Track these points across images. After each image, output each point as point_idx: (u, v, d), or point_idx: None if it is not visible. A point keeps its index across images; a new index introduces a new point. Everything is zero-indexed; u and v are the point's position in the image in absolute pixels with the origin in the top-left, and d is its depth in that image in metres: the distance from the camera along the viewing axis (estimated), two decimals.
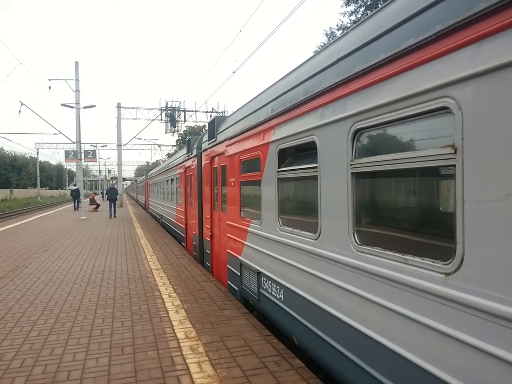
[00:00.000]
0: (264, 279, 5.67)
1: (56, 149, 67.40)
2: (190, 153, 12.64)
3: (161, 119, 42.43)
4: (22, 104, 32.46)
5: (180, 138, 70.29)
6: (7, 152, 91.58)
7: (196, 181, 11.25)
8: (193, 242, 12.26)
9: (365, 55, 3.26)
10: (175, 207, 16.74)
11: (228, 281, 7.75)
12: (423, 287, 2.62)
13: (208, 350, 4.88)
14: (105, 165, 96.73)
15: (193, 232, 12.13)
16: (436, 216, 3.25)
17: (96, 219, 26.27)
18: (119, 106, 42.37)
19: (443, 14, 2.46)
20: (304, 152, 4.63)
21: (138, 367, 4.47)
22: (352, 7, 37.02)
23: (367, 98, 3.22)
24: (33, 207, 54.69)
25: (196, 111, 42.86)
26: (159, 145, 58.76)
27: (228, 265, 7.70)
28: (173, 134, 44.98)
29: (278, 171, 5.10)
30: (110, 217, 27.31)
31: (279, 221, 5.12)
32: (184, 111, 42.39)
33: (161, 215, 22.67)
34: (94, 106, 29.82)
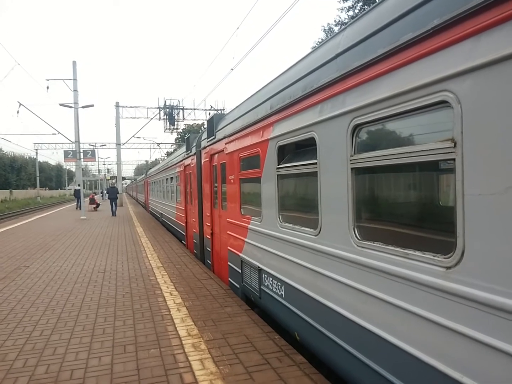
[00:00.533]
0: (265, 275, 5.67)
1: (55, 149, 67.34)
2: (189, 151, 12.64)
3: (160, 118, 42.36)
4: (20, 104, 32.40)
5: (179, 136, 70.23)
6: (6, 153, 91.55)
7: (195, 179, 11.25)
8: (194, 240, 12.27)
9: (364, 50, 3.25)
10: (175, 206, 16.74)
11: (229, 279, 7.76)
12: (424, 281, 2.62)
13: (210, 347, 4.89)
14: (104, 164, 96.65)
15: (194, 230, 12.14)
16: (437, 210, 3.25)
17: (96, 218, 26.27)
18: (117, 105, 42.29)
19: (440, 8, 2.46)
20: (303, 148, 4.63)
21: (141, 365, 4.48)
22: (349, 3, 36.99)
23: (366, 93, 3.21)
24: (33, 207, 54.69)
25: (194, 109, 42.79)
26: (158, 144, 58.71)
27: (229, 263, 7.71)
28: (172, 132, 44.91)
29: (277, 168, 5.10)
30: (112, 216, 28.02)
31: (279, 217, 5.12)
32: (183, 109, 42.32)
33: (161, 213, 22.69)
34: (92, 105, 29.79)
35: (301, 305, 4.53)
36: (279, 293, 5.16)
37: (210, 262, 9.88)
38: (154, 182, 27.63)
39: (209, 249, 9.88)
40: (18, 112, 32.51)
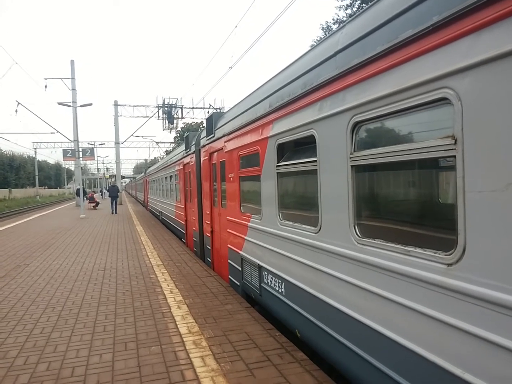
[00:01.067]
0: (266, 273, 5.69)
1: (54, 148, 67.12)
2: (188, 150, 12.64)
3: (159, 116, 42.34)
4: (18, 103, 32.36)
5: (178, 135, 70.13)
6: (5, 152, 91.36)
7: (195, 178, 11.26)
8: (194, 238, 12.28)
9: (363, 48, 3.26)
10: (174, 204, 16.75)
11: (230, 276, 7.78)
12: (425, 278, 2.64)
13: (211, 344, 4.91)
14: (103, 163, 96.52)
15: (193, 228, 12.15)
16: (437, 207, 3.27)
17: (96, 217, 26.26)
18: (116, 104, 42.24)
19: (440, 5, 2.46)
20: (303, 146, 4.64)
21: (142, 362, 4.49)
22: (347, 1, 36.96)
23: (366, 90, 3.22)
24: (32, 206, 54.64)
25: (193, 107, 42.76)
26: (157, 142, 58.75)
27: (229, 260, 7.72)
28: (170, 131, 44.88)
29: (277, 166, 5.11)
30: (112, 213, 28.55)
31: (279, 215, 5.13)
32: (182, 107, 42.28)
33: (161, 212, 22.69)
34: (91, 104, 29.77)
35: (302, 302, 4.54)
36: (280, 291, 5.18)
37: (210, 260, 9.89)
38: (154, 180, 27.63)
39: (209, 247, 9.89)
40: (16, 111, 32.52)
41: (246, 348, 4.76)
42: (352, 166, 3.46)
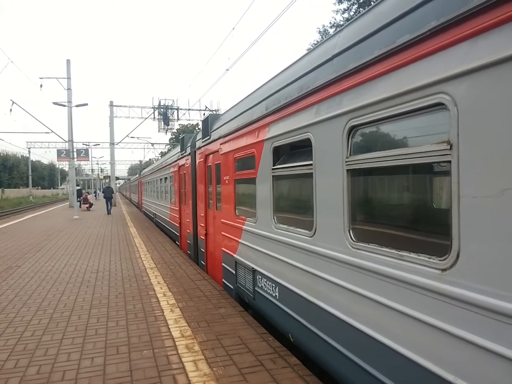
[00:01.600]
0: (260, 277, 5.66)
1: (48, 148, 66.73)
2: (184, 152, 12.60)
3: (154, 118, 42.26)
4: (13, 102, 32.18)
5: (174, 136, 70.08)
6: None
7: (190, 180, 11.22)
8: (188, 241, 12.23)
9: (360, 52, 3.26)
10: (169, 206, 16.68)
11: (223, 280, 7.74)
12: (419, 283, 2.62)
13: (204, 349, 4.86)
14: (97, 164, 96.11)
15: (188, 230, 12.10)
16: (432, 212, 3.26)
17: (89, 218, 26.11)
18: (111, 105, 42.13)
19: (437, 11, 2.46)
20: (299, 149, 4.63)
21: (134, 366, 4.44)
22: (345, 5, 37.20)
23: (362, 94, 3.21)
24: (25, 206, 54.26)
25: (189, 109, 42.74)
26: (152, 144, 58.53)
27: (223, 264, 7.68)
28: (166, 132, 44.83)
29: (273, 169, 5.09)
30: (107, 214, 28.99)
31: (274, 218, 5.11)
32: (177, 109, 42.25)
33: (155, 213, 22.60)
34: (86, 104, 29.64)
35: (295, 307, 4.52)
36: (273, 295, 5.15)
37: (204, 263, 9.85)
38: (148, 182, 27.54)
39: (203, 250, 9.85)
40: (11, 110, 32.34)
41: (239, 353, 4.73)
42: (347, 170, 3.45)
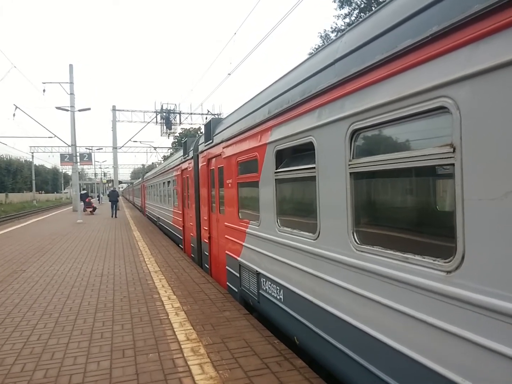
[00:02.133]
0: (264, 280, 5.68)
1: (51, 152, 66.94)
2: (186, 155, 12.64)
3: (157, 122, 42.40)
4: (16, 107, 32.34)
5: (176, 140, 70.16)
6: (2, 156, 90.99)
7: (193, 183, 11.25)
8: (191, 244, 12.25)
9: (362, 56, 3.28)
10: (172, 209, 16.72)
11: (228, 283, 7.76)
12: (424, 285, 2.64)
13: (209, 352, 4.88)
14: (100, 168, 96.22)
15: (191, 234, 12.13)
16: (436, 215, 3.28)
17: (93, 222, 26.17)
18: (114, 109, 42.32)
19: (439, 15, 2.49)
20: (301, 153, 4.65)
21: (140, 369, 4.47)
22: (346, 10, 37.24)
23: (364, 98, 3.24)
24: (28, 211, 54.42)
25: (191, 113, 42.86)
26: (155, 148, 58.76)
27: (227, 267, 7.71)
28: (168, 136, 44.93)
29: (275, 172, 5.12)
30: (112, 217, 29.45)
31: (277, 222, 5.14)
32: (180, 113, 42.39)
33: (158, 217, 22.64)
34: (89, 109, 29.79)
35: (300, 309, 4.54)
36: (278, 297, 5.17)
37: (208, 266, 9.87)
38: (151, 186, 27.60)
39: (207, 253, 9.87)
40: (14, 115, 32.49)
41: (245, 356, 4.74)
42: (350, 173, 3.47)
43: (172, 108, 42.02)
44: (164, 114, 41.68)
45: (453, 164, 2.42)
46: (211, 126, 8.94)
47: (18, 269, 10.67)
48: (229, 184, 7.28)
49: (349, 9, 36.95)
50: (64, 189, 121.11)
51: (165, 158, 54.28)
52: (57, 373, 4.47)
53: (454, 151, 2.40)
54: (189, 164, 12.09)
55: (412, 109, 2.73)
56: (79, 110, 29.46)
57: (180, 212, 14.23)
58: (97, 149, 56.27)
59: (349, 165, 3.48)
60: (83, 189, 30.82)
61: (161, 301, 7.22)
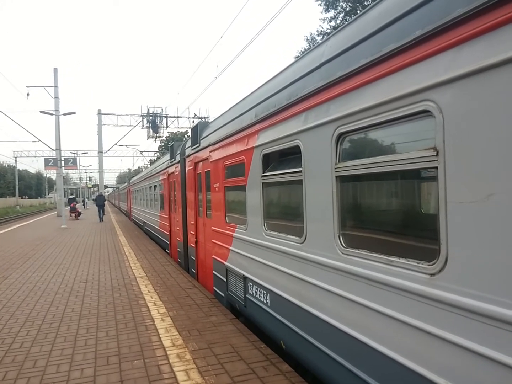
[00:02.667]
0: (251, 284, 5.65)
1: (35, 157, 66.10)
2: (173, 159, 12.57)
3: (143, 126, 42.15)
4: None
5: (163, 144, 69.82)
6: None
7: (180, 187, 11.19)
8: (178, 249, 12.16)
9: (347, 60, 3.31)
10: (158, 214, 16.59)
11: (214, 287, 7.71)
12: (408, 288, 2.65)
13: (195, 358, 4.83)
14: (85, 172, 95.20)
15: (178, 238, 12.04)
16: (420, 218, 3.31)
17: (78, 227, 25.82)
18: (99, 113, 41.99)
19: (422, 20, 2.52)
20: (288, 156, 4.66)
21: (124, 377, 4.39)
22: (331, 13, 37.57)
23: (350, 102, 3.26)
24: (11, 216, 53.34)
25: (178, 117, 42.75)
26: (141, 152, 58.24)
27: (213, 271, 7.66)
28: (155, 140, 44.68)
29: (262, 176, 5.11)
30: (100, 221, 29.91)
31: (264, 225, 5.12)
32: (166, 117, 42.22)
33: (145, 222, 22.43)
34: (74, 113, 29.42)
35: (287, 313, 4.52)
36: (265, 302, 5.15)
37: (194, 271, 9.80)
38: (137, 190, 27.37)
39: (194, 258, 9.80)
40: None
41: (231, 361, 4.71)
42: (336, 176, 3.49)
43: (158, 112, 41.85)
44: (151, 117, 41.47)
45: (436, 167, 2.44)
46: (198, 130, 8.90)
47: (0, 275, 10.44)
48: (216, 188, 7.25)
49: (334, 12, 37.32)
50: (48, 194, 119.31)
51: (152, 162, 53.91)
52: (40, 381, 4.38)
53: (437, 154, 2.42)
54: (175, 168, 12.02)
55: (396, 113, 2.75)
56: (64, 114, 29.06)
57: (167, 216, 14.13)
58: (82, 153, 55.62)
59: (335, 168, 3.49)
60: (71, 194, 31.05)
61: (146, 307, 7.14)
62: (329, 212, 3.58)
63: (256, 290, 5.44)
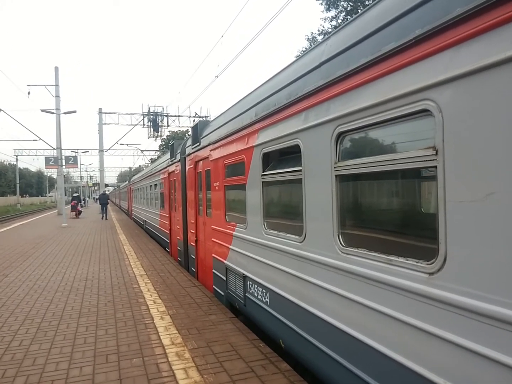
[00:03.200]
0: (250, 283, 5.66)
1: (36, 155, 66.14)
2: (173, 158, 12.57)
3: (144, 124, 42.10)
4: (0, 110, 31.83)
5: (163, 143, 69.83)
6: None
7: (180, 186, 11.19)
8: (178, 248, 12.17)
9: (347, 59, 3.30)
10: (159, 213, 16.59)
11: (214, 286, 7.71)
12: (407, 287, 2.65)
13: (194, 356, 4.84)
14: (86, 171, 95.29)
15: (178, 237, 12.04)
16: (419, 217, 3.30)
17: (78, 226, 25.84)
18: (100, 112, 41.97)
19: (422, 19, 2.52)
20: (288, 155, 4.66)
21: (123, 375, 4.40)
22: (332, 13, 37.53)
23: (350, 101, 3.26)
24: (12, 214, 53.41)
25: (179, 116, 42.72)
26: (142, 151, 58.29)
27: (213, 270, 7.66)
28: (156, 139, 44.64)
29: (262, 175, 5.11)
30: (102, 219, 30.76)
31: (264, 224, 5.13)
32: (167, 116, 42.17)
33: (145, 220, 22.45)
34: (75, 111, 29.45)
35: (286, 312, 4.52)
36: (264, 300, 5.15)
37: (194, 270, 9.80)
38: (138, 189, 27.37)
39: (194, 257, 9.80)
40: None
41: (230, 359, 4.71)
42: (336, 175, 3.48)
43: (159, 111, 41.79)
44: (152, 116, 41.42)
45: (435, 167, 2.44)
46: (198, 129, 8.90)
47: (0, 273, 10.46)
48: (216, 187, 7.26)
49: (335, 11, 37.28)
50: (49, 193, 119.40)
51: (152, 161, 53.95)
52: (39, 379, 4.38)
53: (436, 153, 2.42)
54: (176, 167, 12.02)
55: (396, 112, 2.75)
56: (65, 113, 29.06)
57: (167, 215, 14.13)
58: (83, 152, 55.66)
59: (334, 167, 3.48)
60: (75, 192, 31.60)
61: (146, 305, 7.15)
62: (329, 211, 3.58)
63: (256, 289, 5.44)
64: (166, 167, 14.25)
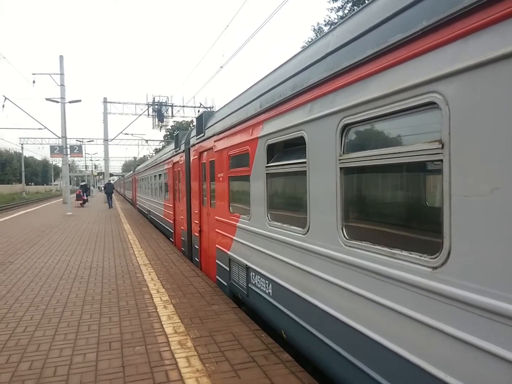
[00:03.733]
0: (253, 274, 5.68)
1: (41, 144, 66.34)
2: (178, 148, 12.57)
3: (148, 114, 42.03)
4: (6, 98, 31.94)
5: (168, 133, 69.81)
6: None
7: (184, 176, 11.21)
8: (182, 238, 12.22)
9: (353, 50, 3.27)
10: (163, 203, 16.65)
11: (217, 276, 7.75)
12: (410, 281, 2.65)
13: (196, 345, 4.88)
14: (91, 160, 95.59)
15: (182, 227, 12.09)
16: (424, 211, 3.29)
17: (83, 214, 25.98)
18: (105, 101, 41.92)
19: (429, 10, 2.48)
20: (292, 147, 4.64)
21: (126, 362, 4.45)
22: (339, 3, 37.20)
23: (355, 93, 3.23)
24: (18, 202, 53.77)
25: (183, 106, 42.58)
26: (147, 140, 58.26)
27: (216, 260, 7.70)
28: (160, 129, 44.61)
29: (266, 166, 5.10)
30: (109, 208, 31.62)
31: (268, 216, 5.13)
32: (172, 106, 42.05)
33: (149, 210, 22.54)
34: (80, 100, 29.39)
35: (289, 304, 4.54)
36: (267, 291, 5.17)
37: (198, 260, 9.85)
38: (142, 179, 27.44)
39: (197, 247, 9.85)
40: (3, 106, 32.13)
41: (232, 349, 4.75)
42: (341, 168, 3.47)
43: (164, 101, 41.67)
44: (156, 106, 41.32)
45: (441, 160, 2.42)
46: (203, 119, 8.89)
47: (6, 260, 10.56)
48: (220, 178, 7.26)
49: (342, 2, 36.92)
50: (54, 181, 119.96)
51: (157, 151, 53.95)
52: (42, 365, 4.44)
53: (442, 147, 2.40)
54: (180, 157, 12.02)
55: (402, 104, 2.72)
56: (70, 102, 29.06)
57: (171, 205, 14.18)
58: (88, 141, 55.80)
59: (339, 160, 3.47)
60: (83, 181, 32.24)
61: (149, 294, 7.20)
62: (333, 203, 3.57)
63: (259, 280, 5.47)
64: (170, 158, 14.26)
